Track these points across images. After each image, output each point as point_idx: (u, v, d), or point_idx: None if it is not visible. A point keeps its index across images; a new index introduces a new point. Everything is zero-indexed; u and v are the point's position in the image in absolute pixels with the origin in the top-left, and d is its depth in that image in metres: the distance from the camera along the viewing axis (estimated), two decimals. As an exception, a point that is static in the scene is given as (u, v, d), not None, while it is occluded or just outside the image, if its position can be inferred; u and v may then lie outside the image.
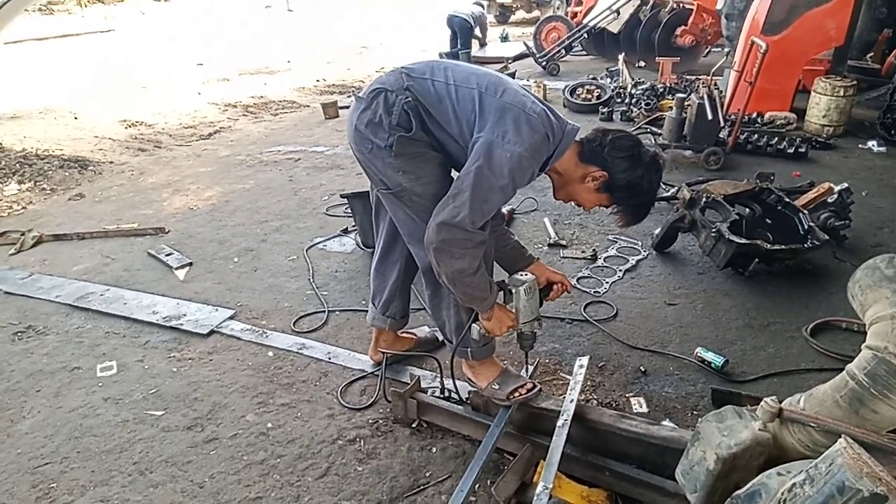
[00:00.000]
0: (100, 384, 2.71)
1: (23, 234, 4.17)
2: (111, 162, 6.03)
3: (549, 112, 1.95)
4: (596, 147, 2.03)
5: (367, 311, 2.71)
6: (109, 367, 2.82)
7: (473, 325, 2.15)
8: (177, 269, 3.73)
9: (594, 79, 8.02)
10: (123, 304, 3.34)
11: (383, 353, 2.65)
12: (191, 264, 3.81)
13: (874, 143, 5.80)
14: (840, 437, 1.31)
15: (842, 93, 5.91)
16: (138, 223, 4.42)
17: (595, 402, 2.49)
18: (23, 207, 4.88)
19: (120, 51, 13.17)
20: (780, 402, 1.61)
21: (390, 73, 2.02)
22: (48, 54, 12.62)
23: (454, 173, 2.00)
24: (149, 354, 2.92)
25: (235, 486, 2.14)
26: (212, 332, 3.07)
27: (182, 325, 3.13)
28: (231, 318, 3.20)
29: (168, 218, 4.55)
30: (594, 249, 3.77)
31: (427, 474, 2.17)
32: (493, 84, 1.95)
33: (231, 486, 2.14)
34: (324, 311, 3.22)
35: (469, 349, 2.29)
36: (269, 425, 2.43)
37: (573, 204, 2.20)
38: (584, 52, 11.38)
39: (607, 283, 3.42)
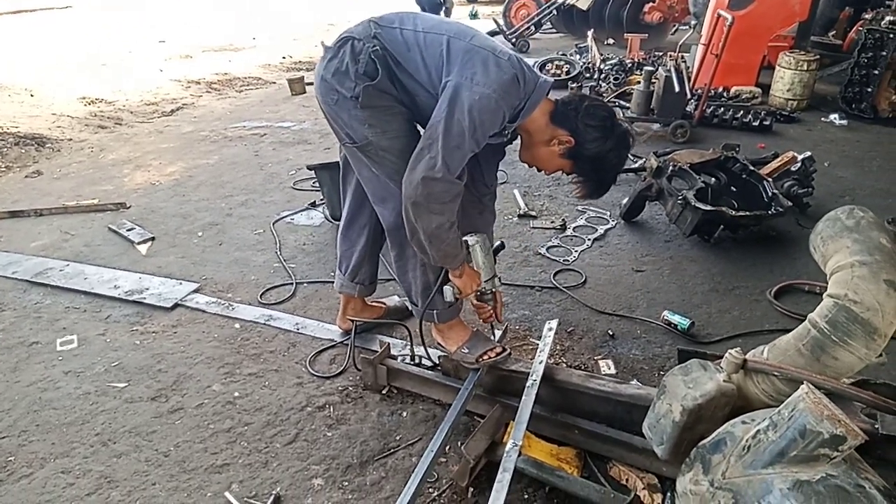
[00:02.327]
0: (60, 358, 2.63)
1: (-24, 211, 4.01)
2: (70, 139, 5.83)
3: (520, 59, 1.92)
4: (570, 111, 1.98)
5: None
6: (70, 342, 2.74)
7: (445, 287, 2.13)
8: (139, 243, 3.63)
9: (564, 55, 8.00)
10: (84, 280, 3.25)
11: (352, 321, 2.62)
12: (153, 239, 3.71)
13: (836, 116, 5.93)
14: (802, 384, 1.33)
15: (805, 67, 6.01)
16: (98, 199, 4.29)
17: (564, 365, 2.50)
18: (-24, 185, 4.70)
19: (78, 27, 12.70)
20: (744, 355, 1.63)
21: (360, 23, 1.97)
22: (1, 30, 12.12)
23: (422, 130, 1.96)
24: (111, 328, 2.84)
25: (202, 454, 2.10)
26: (176, 306, 3.00)
27: (145, 298, 3.06)
28: (196, 291, 3.13)
29: (129, 193, 4.42)
30: (563, 220, 3.78)
31: (397, 438, 2.16)
32: (461, 31, 1.92)
33: (197, 454, 2.10)
34: (291, 284, 3.17)
35: (435, 311, 2.28)
36: (236, 394, 2.39)
37: (535, 169, 2.16)
38: (554, 30, 11.36)
39: (576, 251, 3.43)
